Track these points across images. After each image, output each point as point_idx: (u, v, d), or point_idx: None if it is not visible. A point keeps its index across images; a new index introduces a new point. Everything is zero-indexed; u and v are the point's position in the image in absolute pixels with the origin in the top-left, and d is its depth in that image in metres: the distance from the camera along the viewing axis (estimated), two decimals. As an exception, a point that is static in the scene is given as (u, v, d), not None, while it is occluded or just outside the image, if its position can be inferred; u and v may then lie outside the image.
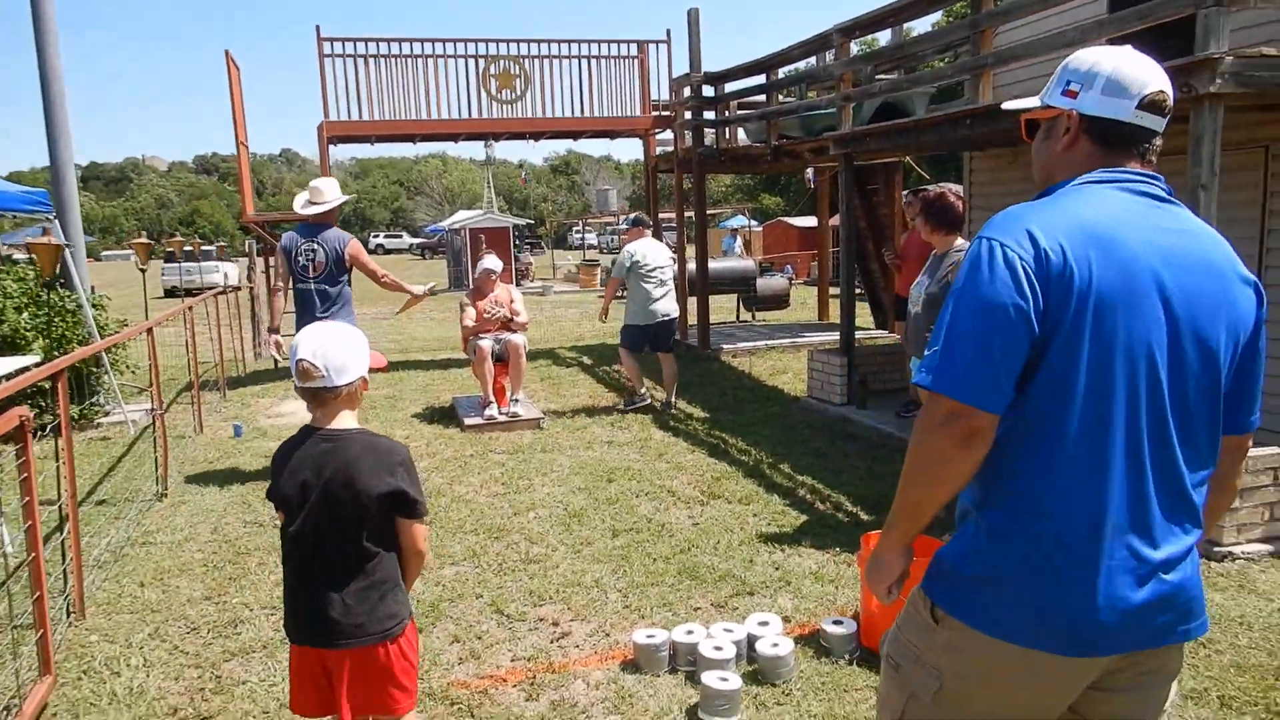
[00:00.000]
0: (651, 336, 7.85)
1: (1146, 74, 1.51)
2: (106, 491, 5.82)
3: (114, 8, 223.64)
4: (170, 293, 23.88)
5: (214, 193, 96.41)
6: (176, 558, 4.67)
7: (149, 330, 5.82)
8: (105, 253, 68.28)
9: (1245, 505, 4.20)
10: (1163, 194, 1.51)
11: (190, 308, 7.34)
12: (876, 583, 1.65)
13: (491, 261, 7.62)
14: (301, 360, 2.18)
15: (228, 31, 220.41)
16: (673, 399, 7.93)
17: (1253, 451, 4.19)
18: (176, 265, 23.68)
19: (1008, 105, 1.75)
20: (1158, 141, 1.53)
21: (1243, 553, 4.18)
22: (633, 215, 8.42)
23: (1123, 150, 1.52)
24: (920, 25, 23.29)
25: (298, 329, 5.98)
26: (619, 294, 8.22)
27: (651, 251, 7.81)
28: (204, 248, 24.56)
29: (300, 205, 6.03)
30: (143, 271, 9.96)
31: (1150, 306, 1.42)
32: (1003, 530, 1.48)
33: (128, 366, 8.61)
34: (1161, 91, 1.51)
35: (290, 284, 5.97)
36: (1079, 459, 1.42)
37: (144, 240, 9.52)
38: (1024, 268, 1.38)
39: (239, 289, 13.51)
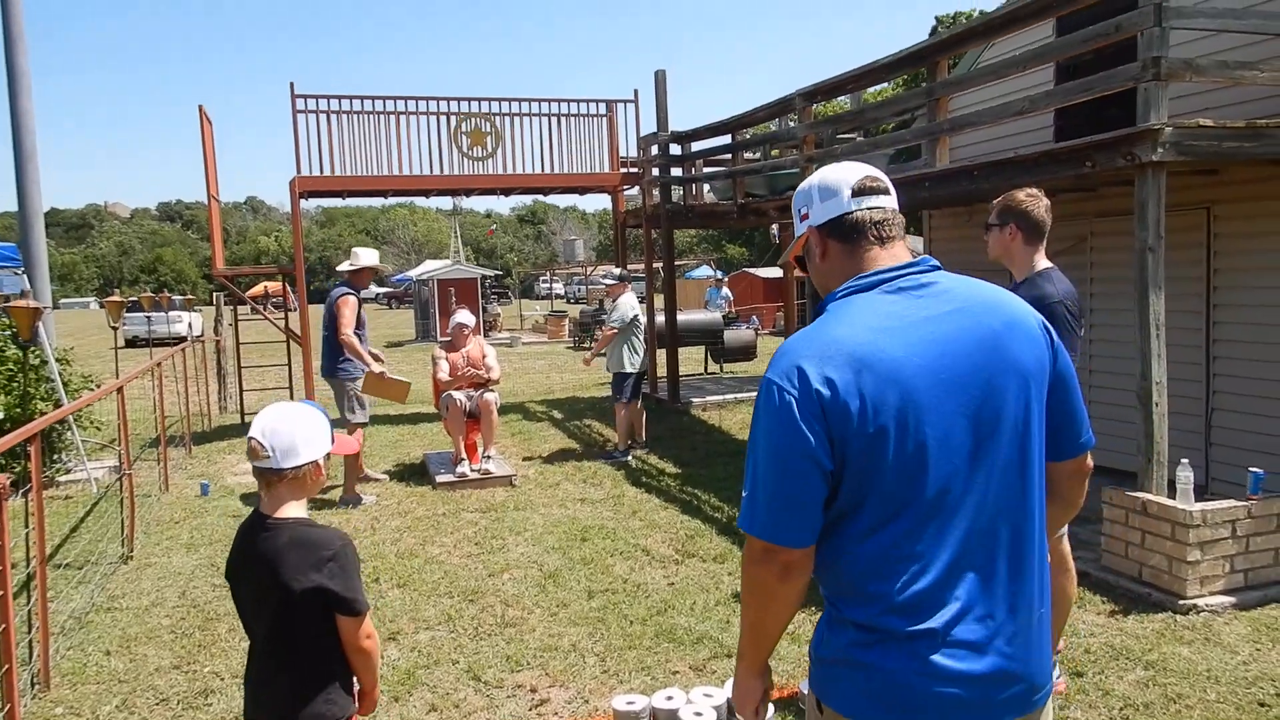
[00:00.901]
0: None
1: (847, 171, 1.65)
2: (69, 554, 5.70)
3: (81, 54, 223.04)
4: (131, 343, 23.53)
5: (177, 240, 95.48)
6: (143, 624, 4.59)
7: (119, 390, 5.76)
8: (63, 300, 67.15)
9: (1207, 558, 4.32)
10: (919, 281, 1.57)
11: (159, 364, 7.27)
12: (742, 707, 1.72)
13: (464, 316, 7.68)
14: (251, 438, 2.13)
15: (198, 80, 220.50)
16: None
17: (1210, 505, 4.35)
18: (141, 315, 23.34)
19: (779, 262, 1.87)
20: (888, 215, 1.63)
21: (1206, 605, 4.29)
22: (618, 270, 8.74)
23: (862, 239, 1.62)
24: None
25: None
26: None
27: (639, 306, 8.38)
28: (173, 298, 24.29)
29: (342, 265, 7.42)
30: (115, 329, 9.87)
31: (931, 403, 1.47)
32: (841, 617, 1.54)
33: (91, 422, 8.47)
34: (867, 177, 1.64)
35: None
36: (895, 552, 1.48)
37: (117, 298, 9.43)
38: (799, 410, 1.46)
39: (202, 339, 13.37)
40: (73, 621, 4.58)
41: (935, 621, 1.46)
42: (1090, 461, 1.71)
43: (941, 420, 1.48)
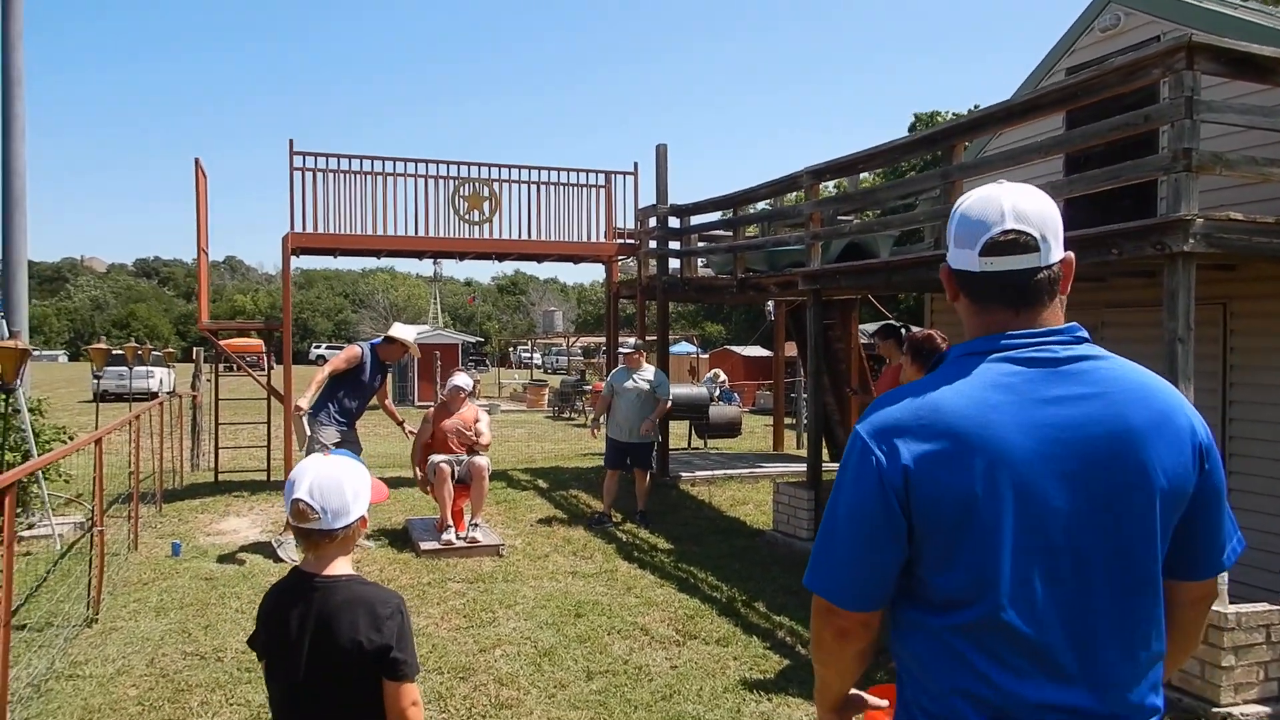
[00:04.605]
0: None
1: (988, 215, 1.39)
2: (30, 615, 5.30)
3: (64, 107, 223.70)
4: (101, 398, 22.89)
5: (153, 296, 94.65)
6: (108, 694, 4.23)
7: (98, 441, 5.46)
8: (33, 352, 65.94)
9: (1241, 664, 4.13)
10: (1055, 353, 1.37)
11: (138, 416, 6.97)
12: None
13: (462, 379, 7.49)
14: (298, 500, 1.99)
15: (184, 137, 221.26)
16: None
17: (1245, 608, 4.18)
18: (114, 370, 22.75)
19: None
20: (1026, 279, 1.38)
21: (1241, 714, 4.09)
22: (633, 340, 9.16)
23: (991, 302, 1.41)
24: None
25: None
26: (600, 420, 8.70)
27: None
28: (153, 351, 23.79)
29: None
30: (98, 378, 9.56)
31: (1039, 496, 1.31)
32: (909, 715, 1.44)
33: (60, 475, 8.08)
34: (1004, 231, 1.36)
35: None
36: (969, 665, 1.34)
37: (102, 345, 9.12)
38: (885, 479, 1.34)
39: (177, 395, 12.98)
40: (31, 690, 4.21)
41: None
42: (1216, 589, 1.50)
43: (1047, 514, 1.31)
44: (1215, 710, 4.10)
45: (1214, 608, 4.12)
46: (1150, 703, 1.38)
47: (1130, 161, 4.61)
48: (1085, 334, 1.41)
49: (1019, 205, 1.39)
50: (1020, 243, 1.37)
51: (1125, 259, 4.61)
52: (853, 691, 1.60)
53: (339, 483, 2.01)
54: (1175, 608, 1.43)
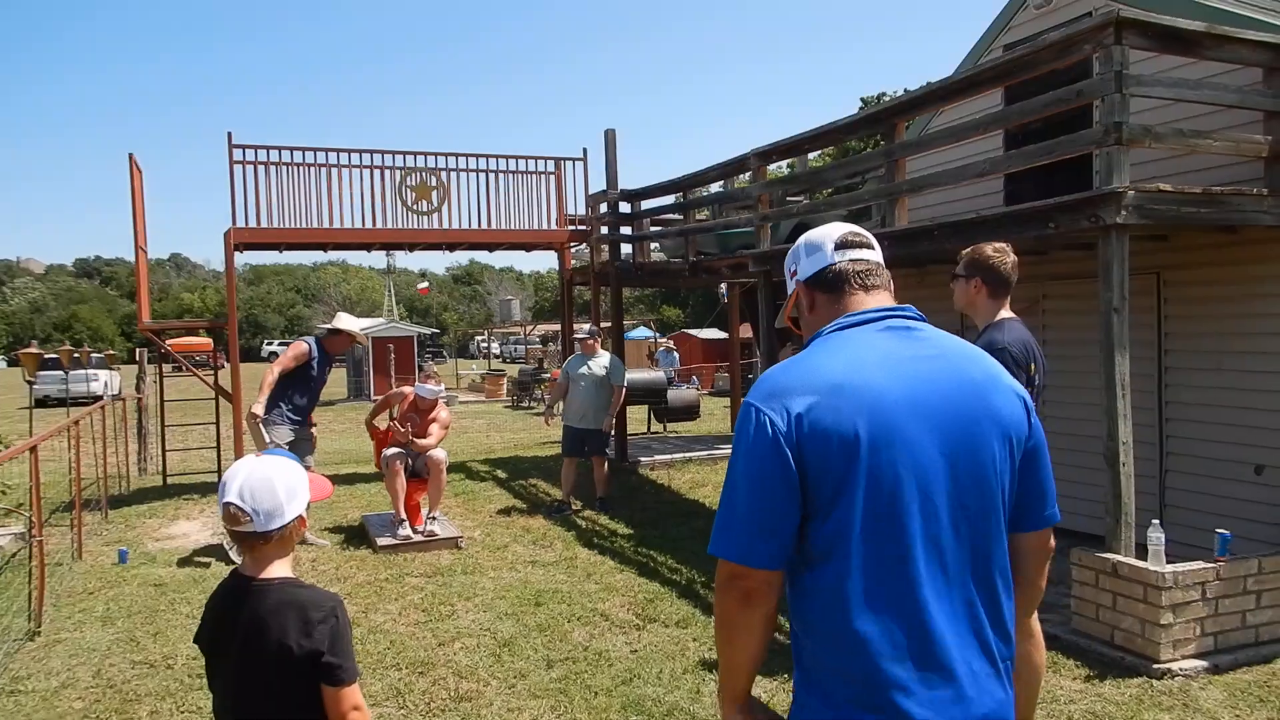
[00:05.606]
0: None
1: (831, 228, 1.74)
2: (-33, 630, 5.16)
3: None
4: (42, 403, 22.30)
5: (95, 297, 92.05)
6: (51, 708, 4.13)
7: (32, 449, 5.30)
8: (-37, 358, 63.89)
9: (1179, 621, 4.27)
10: (906, 325, 1.60)
11: (76, 422, 6.78)
12: None
13: (429, 390, 7.32)
14: (228, 503, 1.94)
15: (123, 133, 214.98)
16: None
17: (1181, 567, 4.31)
18: (56, 374, 22.15)
19: (777, 325, 1.91)
20: (871, 266, 1.68)
21: (1180, 669, 4.22)
22: (587, 327, 9.08)
23: (846, 286, 1.67)
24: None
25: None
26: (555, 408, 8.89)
27: None
28: (91, 355, 23.12)
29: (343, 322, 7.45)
30: (30, 384, 9.26)
31: (911, 435, 1.47)
32: (808, 679, 1.52)
33: (-3, 485, 7.85)
34: (850, 232, 1.72)
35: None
36: (867, 599, 1.45)
37: (33, 351, 8.86)
38: (778, 435, 1.47)
39: (121, 398, 12.65)
40: (-30, 706, 4.10)
41: (906, 678, 1.42)
42: (1052, 542, 1.67)
43: (920, 454, 1.47)
44: (1156, 666, 4.22)
45: (1152, 568, 4.27)
46: (1002, 648, 1.51)
47: (1064, 136, 4.69)
48: (920, 314, 1.64)
49: (853, 225, 1.76)
50: (863, 242, 1.72)
51: (1062, 232, 4.70)
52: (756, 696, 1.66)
53: (270, 483, 1.96)
54: (1018, 558, 1.61)
